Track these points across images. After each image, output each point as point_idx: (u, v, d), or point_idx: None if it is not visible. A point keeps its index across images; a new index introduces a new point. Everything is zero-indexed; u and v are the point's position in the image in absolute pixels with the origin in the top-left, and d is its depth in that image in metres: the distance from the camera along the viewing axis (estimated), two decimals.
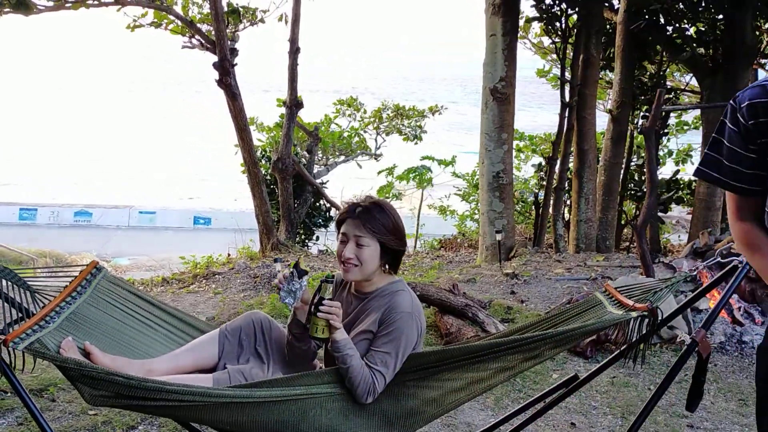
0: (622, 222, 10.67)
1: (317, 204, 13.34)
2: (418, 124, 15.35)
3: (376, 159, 15.75)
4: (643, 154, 11.08)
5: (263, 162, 13.09)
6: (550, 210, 9.53)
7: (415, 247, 14.36)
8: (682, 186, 11.32)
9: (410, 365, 2.06)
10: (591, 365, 4.10)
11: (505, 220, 8.28)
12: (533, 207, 10.71)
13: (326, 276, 2.07)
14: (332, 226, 14.29)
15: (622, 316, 2.03)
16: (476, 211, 14.71)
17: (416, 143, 15.38)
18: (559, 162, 9.38)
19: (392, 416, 2.03)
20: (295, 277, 2.12)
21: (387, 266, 2.16)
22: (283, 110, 12.01)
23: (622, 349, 2.16)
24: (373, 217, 2.10)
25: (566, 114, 9.17)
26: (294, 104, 11.64)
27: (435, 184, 15.84)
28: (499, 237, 7.19)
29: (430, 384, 2.05)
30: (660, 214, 10.50)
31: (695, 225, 9.11)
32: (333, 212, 13.80)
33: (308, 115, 14.15)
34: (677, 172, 11.92)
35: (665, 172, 12.24)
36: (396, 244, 2.13)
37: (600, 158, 9.61)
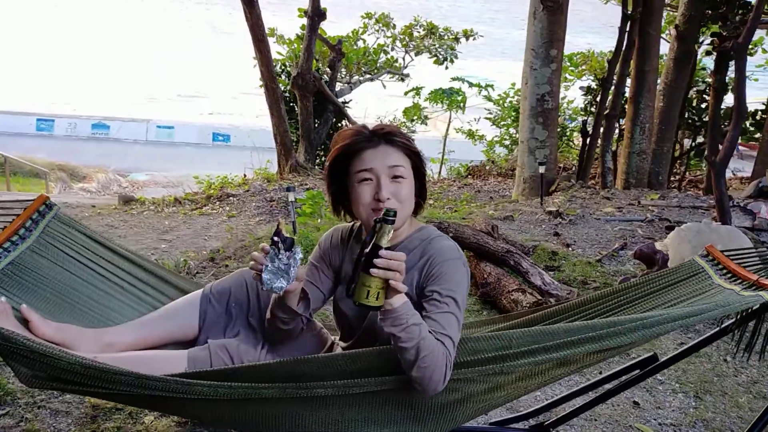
0: (676, 155, 9.64)
1: (339, 125, 12.55)
2: (450, 46, 14.19)
3: (402, 79, 14.80)
4: (705, 79, 9.91)
5: (282, 78, 12.27)
6: (599, 140, 8.53)
7: (440, 173, 13.63)
8: (747, 116, 10.15)
9: None
10: None
11: (547, 149, 7.45)
12: (580, 134, 9.70)
13: (386, 212, 1.35)
14: None
15: (753, 299, 1.52)
16: (506, 137, 13.89)
17: (446, 68, 14.29)
18: (614, 84, 8.26)
19: (422, 411, 1.54)
20: (281, 251, 1.44)
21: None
22: (304, 21, 11.06)
23: (722, 327, 1.73)
24: (402, 136, 1.59)
25: (627, 28, 7.96)
26: (316, 14, 10.77)
27: (466, 107, 14.94)
28: (541, 170, 6.40)
29: (473, 376, 1.53)
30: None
31: (761, 161, 8.18)
32: None
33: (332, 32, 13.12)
34: None
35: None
36: (424, 171, 1.65)
37: (659, 81, 8.48)
